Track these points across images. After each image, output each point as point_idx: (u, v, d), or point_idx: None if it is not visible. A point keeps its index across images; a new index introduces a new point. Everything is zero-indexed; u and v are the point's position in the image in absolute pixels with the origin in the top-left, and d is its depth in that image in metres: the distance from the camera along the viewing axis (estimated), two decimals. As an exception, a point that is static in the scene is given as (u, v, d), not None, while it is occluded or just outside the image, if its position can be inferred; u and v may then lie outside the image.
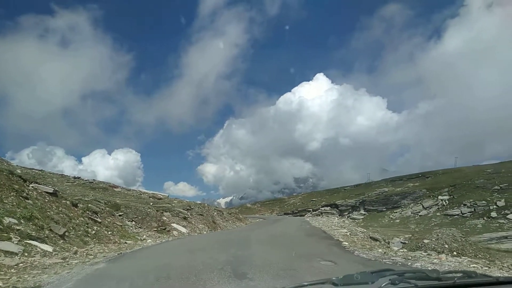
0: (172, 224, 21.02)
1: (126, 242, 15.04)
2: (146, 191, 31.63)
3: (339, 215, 63.21)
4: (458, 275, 2.28)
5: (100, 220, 16.40)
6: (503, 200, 49.14)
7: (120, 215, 19.50)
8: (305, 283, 2.25)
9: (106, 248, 12.39)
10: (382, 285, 2.04)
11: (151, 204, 22.96)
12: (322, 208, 67.48)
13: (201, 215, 25.23)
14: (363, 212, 64.45)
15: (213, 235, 20.43)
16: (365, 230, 19.52)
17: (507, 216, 46.17)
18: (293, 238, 16.42)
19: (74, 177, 32.92)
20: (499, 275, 6.08)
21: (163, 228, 19.91)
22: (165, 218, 21.35)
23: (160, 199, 27.03)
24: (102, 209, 18.24)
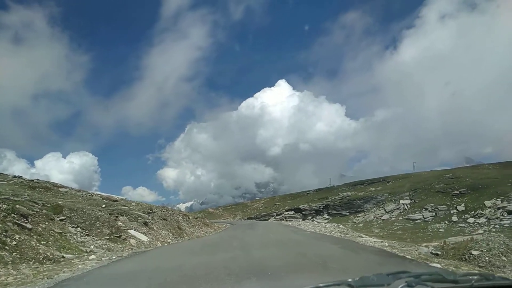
0: (129, 231, 16.63)
1: (63, 257, 10.64)
2: (99, 193, 26.65)
3: (302, 219, 60.89)
4: (475, 277, 2.14)
5: (30, 226, 11.85)
6: (463, 205, 48.79)
7: (61, 220, 14.86)
8: (321, 284, 2.06)
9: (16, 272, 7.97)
10: None
11: (104, 206, 18.35)
12: (286, 213, 64.66)
13: (164, 219, 20.88)
14: (327, 217, 62.41)
15: (186, 247, 15.44)
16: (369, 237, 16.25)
17: (467, 220, 45.61)
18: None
19: (14, 176, 27.39)
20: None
21: (118, 235, 15.49)
22: (120, 223, 16.90)
23: (116, 201, 22.33)
24: (36, 211, 13.57)
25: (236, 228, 27.94)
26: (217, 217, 68.35)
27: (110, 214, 17.15)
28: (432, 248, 9.92)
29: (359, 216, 58.20)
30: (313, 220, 58.63)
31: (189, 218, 26.09)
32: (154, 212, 20.92)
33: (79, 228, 15.21)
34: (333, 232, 17.69)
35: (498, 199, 46.09)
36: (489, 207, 45.54)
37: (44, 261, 9.69)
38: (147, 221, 18.71)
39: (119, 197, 28.02)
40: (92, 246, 13.74)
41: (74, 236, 14.25)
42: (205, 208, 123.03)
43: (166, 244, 16.82)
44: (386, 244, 11.56)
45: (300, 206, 65.47)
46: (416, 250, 10.28)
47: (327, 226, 23.12)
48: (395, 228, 49.34)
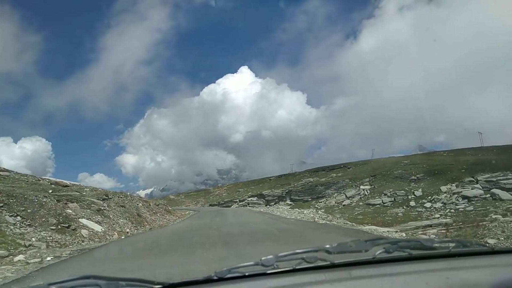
0: (80, 220, 14.27)
1: (-10, 254, 8.36)
2: (48, 178, 23.56)
3: (265, 205, 60.24)
4: (453, 244, 2.13)
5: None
6: (420, 190, 49.95)
7: (-4, 208, 12.31)
8: (299, 251, 1.96)
9: None
10: (376, 254, 1.93)
11: (50, 192, 15.73)
12: (249, 199, 63.53)
13: (122, 206, 18.54)
14: (289, 202, 62.05)
15: (149, 240, 12.76)
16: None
17: (425, 205, 46.69)
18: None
19: None
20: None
21: (66, 225, 13.13)
22: (70, 211, 14.48)
23: (67, 186, 19.58)
24: (-40, 198, 11.00)
25: (202, 215, 25.64)
26: (178, 204, 65.80)
27: (57, 200, 14.64)
28: (433, 235, 8.68)
29: (321, 202, 58.29)
30: (277, 206, 58.04)
31: (150, 205, 23.80)
32: (111, 198, 18.49)
33: (18, 217, 12.70)
34: (317, 219, 16.24)
35: (453, 185, 47.51)
36: (445, 192, 46.82)
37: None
38: (102, 208, 16.35)
39: (72, 182, 25.08)
40: (33, 239, 11.38)
41: (12, 227, 11.79)
42: (166, 195, 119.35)
43: (123, 236, 14.54)
44: (404, 235, 10.19)
45: (263, 192, 64.56)
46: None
47: (305, 212, 21.72)
48: (356, 213, 49.69)
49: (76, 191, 18.05)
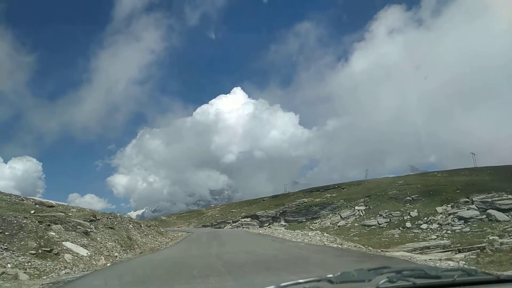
0: (64, 243, 12.95)
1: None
2: (33, 198, 22.11)
3: (259, 226, 58.76)
4: (458, 272, 2.11)
5: None
6: (415, 211, 49.13)
7: (-31, 230, 11.02)
8: (301, 281, 1.97)
9: None
10: (380, 283, 1.89)
11: (33, 212, 14.40)
12: (242, 220, 61.88)
13: (110, 228, 17.19)
14: (283, 223, 60.63)
15: (140, 270, 10.48)
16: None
17: (421, 226, 45.81)
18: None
19: None
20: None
21: (48, 249, 11.82)
22: (53, 233, 13.17)
23: (52, 206, 18.20)
24: None
25: (197, 237, 23.48)
26: (170, 225, 63.75)
27: (39, 222, 13.34)
28: (463, 261, 7.70)
29: (316, 223, 57.00)
30: (274, 228, 56.56)
31: (140, 226, 22.39)
32: (99, 219, 17.13)
33: (-6, 241, 11.42)
34: (327, 242, 14.90)
35: (448, 205, 46.77)
36: (441, 213, 46.07)
37: None
38: (89, 230, 15.04)
39: (58, 202, 23.62)
40: (9, 265, 10.10)
41: (-15, 252, 10.51)
42: (158, 216, 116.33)
43: (110, 261, 13.14)
44: (451, 263, 8.90)
45: (256, 213, 63.05)
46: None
47: (310, 234, 20.32)
48: (351, 234, 48.39)
49: (62, 212, 16.70)
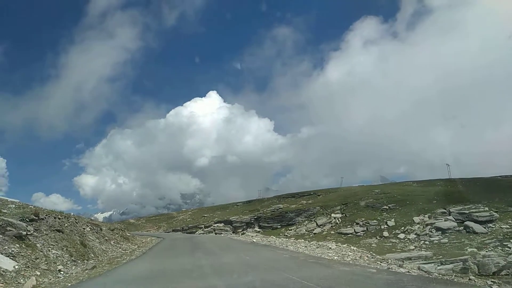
0: (-20, 252, 8.75)
1: None
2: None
3: (232, 232, 55.00)
4: None
5: None
6: (392, 220, 47.14)
7: None
8: None
9: None
10: None
11: None
12: (215, 225, 57.70)
13: (59, 231, 12.96)
14: (258, 229, 57.08)
15: None
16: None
17: (398, 236, 43.80)
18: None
19: None
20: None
21: None
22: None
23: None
24: None
25: (171, 244, 18.78)
26: (139, 229, 58.49)
27: None
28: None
29: (291, 230, 54.00)
30: (243, 233, 52.79)
31: (101, 229, 18.02)
32: (42, 219, 12.86)
33: None
34: (348, 258, 11.11)
35: (425, 216, 45.06)
36: (418, 223, 44.28)
37: None
38: (25, 233, 10.81)
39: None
40: None
41: None
42: (126, 218, 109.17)
43: (48, 279, 9.01)
44: None
45: (230, 218, 59.08)
46: None
47: (332, 247, 16.56)
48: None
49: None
